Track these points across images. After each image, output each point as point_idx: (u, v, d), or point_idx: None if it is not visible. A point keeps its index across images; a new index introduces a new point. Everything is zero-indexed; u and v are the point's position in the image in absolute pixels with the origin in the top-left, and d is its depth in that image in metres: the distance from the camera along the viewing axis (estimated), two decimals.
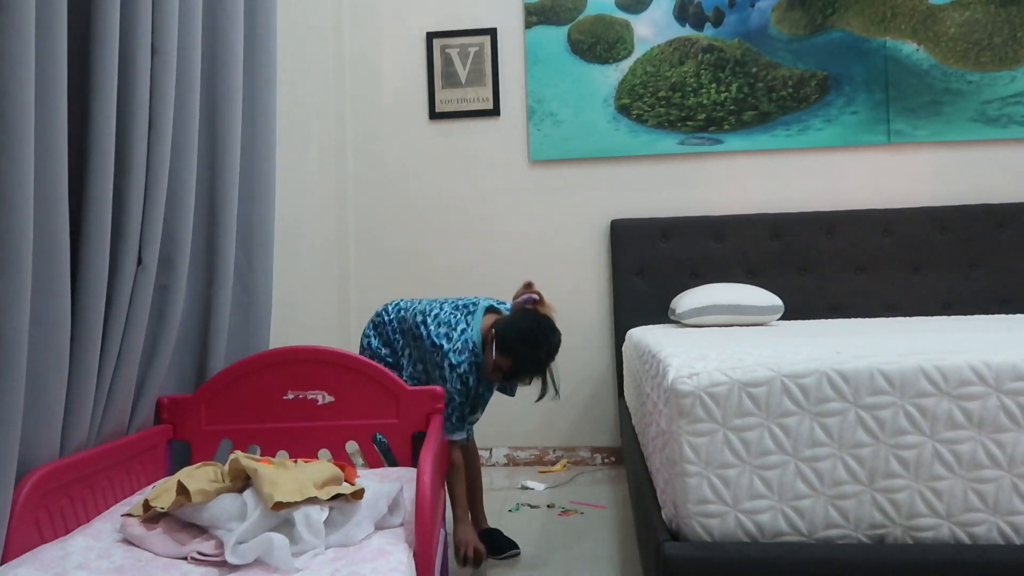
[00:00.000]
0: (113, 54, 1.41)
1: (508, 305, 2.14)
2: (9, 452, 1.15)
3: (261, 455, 1.71)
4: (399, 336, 2.17)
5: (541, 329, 1.98)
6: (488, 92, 3.45)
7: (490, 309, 2.13)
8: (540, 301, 2.03)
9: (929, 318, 2.93)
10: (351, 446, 1.87)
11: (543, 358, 2.00)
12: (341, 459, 1.69)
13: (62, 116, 1.27)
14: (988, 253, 3.16)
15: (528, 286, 2.06)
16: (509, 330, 1.97)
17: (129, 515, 1.30)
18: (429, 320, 2.08)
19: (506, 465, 3.37)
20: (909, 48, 3.24)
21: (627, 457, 2.54)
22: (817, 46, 3.30)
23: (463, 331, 2.03)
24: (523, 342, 1.96)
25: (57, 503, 1.30)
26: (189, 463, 1.77)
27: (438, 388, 1.85)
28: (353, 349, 3.40)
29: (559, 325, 2.10)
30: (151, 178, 1.56)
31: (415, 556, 1.25)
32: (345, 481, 1.38)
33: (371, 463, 1.87)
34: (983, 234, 3.17)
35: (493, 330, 2.00)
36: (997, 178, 3.24)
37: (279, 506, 1.20)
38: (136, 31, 1.49)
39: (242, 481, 1.31)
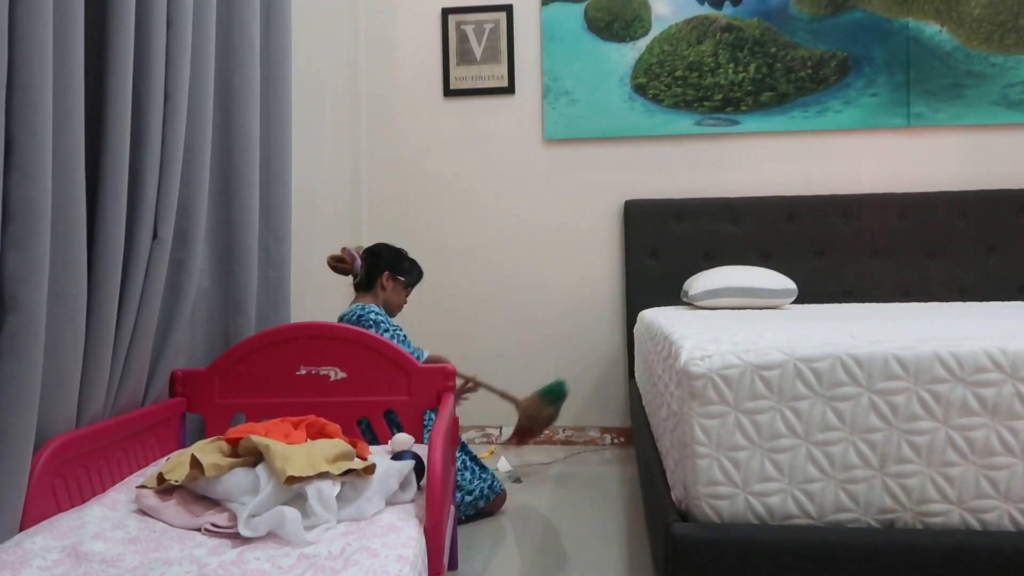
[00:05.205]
0: (129, 27, 1.41)
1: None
2: (28, 421, 1.16)
3: None
4: None
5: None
6: (503, 69, 3.42)
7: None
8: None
9: (945, 304, 2.90)
10: None
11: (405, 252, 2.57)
12: (352, 435, 1.70)
13: (79, 89, 1.27)
14: (1006, 239, 3.12)
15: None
16: (387, 262, 2.48)
17: (144, 487, 1.32)
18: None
19: None
20: (932, 29, 3.18)
21: (637, 438, 2.54)
22: (838, 26, 3.24)
23: (364, 307, 2.33)
24: (398, 255, 2.52)
25: (73, 472, 1.32)
26: (203, 436, 1.79)
27: (449, 366, 1.86)
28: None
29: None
30: (166, 152, 1.57)
31: (425, 532, 1.26)
32: (357, 457, 1.39)
33: (382, 440, 1.88)
34: (1002, 220, 3.12)
35: (386, 273, 2.46)
36: (1019, 163, 3.19)
37: (291, 480, 1.21)
38: (151, 3, 1.49)
39: (255, 455, 1.33)
